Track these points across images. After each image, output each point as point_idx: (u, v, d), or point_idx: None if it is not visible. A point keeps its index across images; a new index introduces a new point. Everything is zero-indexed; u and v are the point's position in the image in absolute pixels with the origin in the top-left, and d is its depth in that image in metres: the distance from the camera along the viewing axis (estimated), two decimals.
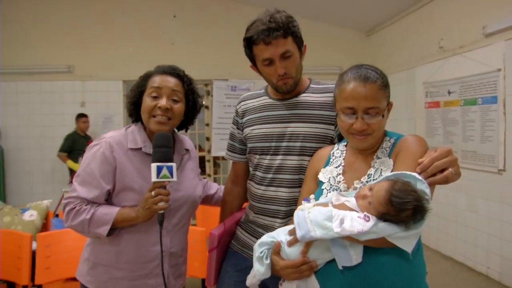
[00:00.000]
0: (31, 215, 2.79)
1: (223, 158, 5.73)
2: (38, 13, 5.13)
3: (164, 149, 1.40)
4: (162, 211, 1.38)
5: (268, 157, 1.57)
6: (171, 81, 1.52)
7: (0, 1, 5.03)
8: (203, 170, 5.68)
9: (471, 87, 3.80)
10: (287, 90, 1.56)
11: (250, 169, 1.69)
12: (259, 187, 1.61)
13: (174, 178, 1.39)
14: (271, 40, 1.47)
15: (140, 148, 1.52)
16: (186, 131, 1.73)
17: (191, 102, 1.60)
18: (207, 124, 5.60)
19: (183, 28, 5.43)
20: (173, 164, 1.40)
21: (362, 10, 5.18)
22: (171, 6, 5.41)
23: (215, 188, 1.88)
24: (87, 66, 5.24)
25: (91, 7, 5.23)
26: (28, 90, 5.12)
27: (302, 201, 1.26)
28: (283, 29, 1.47)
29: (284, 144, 1.55)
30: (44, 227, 2.92)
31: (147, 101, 1.50)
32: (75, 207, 1.44)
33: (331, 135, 1.55)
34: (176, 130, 1.69)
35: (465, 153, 3.91)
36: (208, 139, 5.60)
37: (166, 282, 1.47)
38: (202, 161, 5.68)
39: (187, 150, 1.68)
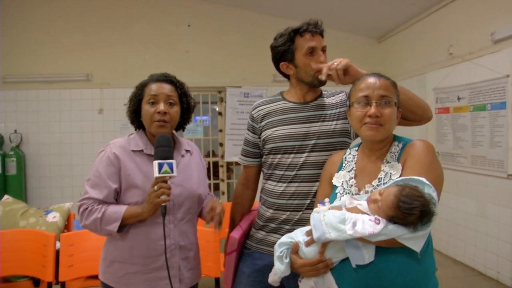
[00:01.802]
0: (54, 217, 2.94)
1: (236, 163, 5.83)
2: (58, 24, 5.33)
3: (165, 148, 1.56)
4: (164, 204, 1.52)
5: (292, 155, 1.70)
6: (166, 87, 1.70)
7: (23, 14, 5.23)
8: (216, 175, 5.79)
9: (480, 93, 3.85)
10: (320, 84, 1.70)
11: (266, 170, 1.79)
12: (280, 184, 1.72)
13: (175, 173, 1.54)
14: (317, 32, 1.70)
15: (142, 150, 1.67)
16: (183, 130, 1.87)
17: (185, 104, 1.77)
18: (221, 130, 5.72)
19: (197, 36, 5.58)
20: (173, 161, 1.55)
21: (373, 17, 5.26)
22: (185, 16, 5.56)
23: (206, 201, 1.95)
24: (104, 74, 5.41)
25: (108, 18, 5.41)
26: (49, 98, 5.31)
27: (318, 204, 1.36)
28: (323, 31, 1.74)
29: (311, 142, 1.68)
30: (66, 227, 3.06)
31: (146, 108, 1.66)
32: (87, 207, 1.59)
33: (349, 130, 1.68)
34: (175, 133, 1.84)
35: (474, 159, 3.96)
36: (221, 144, 5.72)
37: (178, 274, 1.61)
38: (215, 166, 5.80)
39: (188, 151, 1.81)
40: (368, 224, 1.15)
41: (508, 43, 3.50)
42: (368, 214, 1.20)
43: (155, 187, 1.51)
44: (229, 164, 5.86)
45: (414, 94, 1.56)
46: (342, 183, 1.45)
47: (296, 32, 1.72)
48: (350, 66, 1.57)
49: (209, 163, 5.65)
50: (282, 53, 1.76)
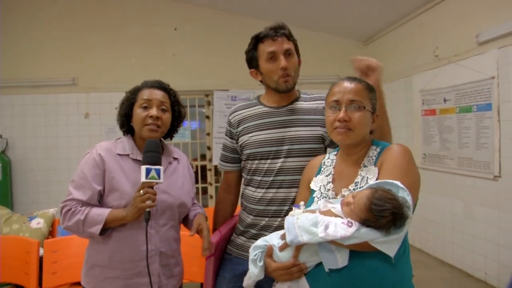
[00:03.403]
0: (38, 223, 2.89)
1: None
2: (42, 27, 5.28)
3: (154, 153, 1.55)
4: (149, 209, 1.51)
5: (269, 161, 1.68)
6: (159, 94, 1.71)
7: (8, 19, 5.17)
8: (204, 179, 5.77)
9: (466, 95, 3.89)
10: (286, 89, 1.69)
11: (246, 175, 1.78)
12: (259, 190, 1.71)
13: (161, 180, 1.53)
14: (277, 38, 1.65)
15: (128, 155, 1.66)
16: (171, 138, 1.85)
17: (177, 112, 1.78)
18: (208, 134, 5.70)
19: (184, 40, 5.56)
20: (161, 167, 1.54)
21: (359, 19, 5.30)
22: (172, 19, 5.55)
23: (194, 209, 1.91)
24: (91, 78, 5.37)
25: (94, 22, 5.37)
26: (34, 103, 5.25)
27: (293, 208, 1.35)
28: (288, 31, 1.66)
29: (285, 147, 1.67)
30: (51, 233, 3.02)
31: (138, 112, 1.66)
32: (70, 209, 1.58)
33: (326, 138, 1.67)
34: (163, 140, 1.83)
35: (461, 160, 3.99)
36: (209, 148, 5.70)
37: (158, 281, 1.60)
38: (203, 170, 5.77)
39: (176, 158, 1.80)
40: (340, 227, 1.14)
41: (493, 44, 3.54)
42: (342, 217, 1.19)
43: (141, 192, 1.50)
44: (217, 167, 5.82)
45: (386, 116, 1.58)
46: (320, 187, 1.44)
47: (258, 39, 1.71)
48: (374, 67, 1.55)
49: (197, 166, 5.62)
50: (249, 60, 1.77)
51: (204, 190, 5.75)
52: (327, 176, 1.45)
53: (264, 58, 1.68)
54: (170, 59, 5.49)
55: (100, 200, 1.63)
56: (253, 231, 1.73)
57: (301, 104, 1.74)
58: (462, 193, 4.00)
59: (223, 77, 5.60)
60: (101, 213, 1.55)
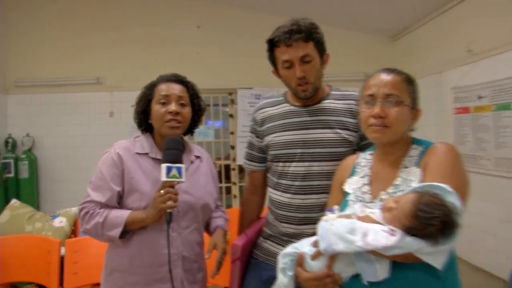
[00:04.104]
0: (61, 222, 2.88)
1: None
2: (67, 26, 5.30)
3: (174, 151, 1.47)
4: (170, 210, 1.42)
5: (294, 164, 1.58)
6: (177, 88, 1.62)
7: (33, 20, 5.23)
8: (228, 178, 5.69)
9: (503, 91, 3.67)
10: (305, 96, 1.57)
11: (272, 177, 1.68)
12: (285, 195, 1.60)
13: (183, 179, 1.44)
14: (292, 43, 1.50)
15: (147, 153, 1.57)
16: (192, 134, 1.77)
17: (196, 105, 1.69)
18: (232, 133, 5.63)
19: (207, 38, 5.50)
20: (182, 166, 1.45)
21: (386, 14, 5.10)
22: (195, 17, 5.49)
23: (216, 216, 1.80)
24: (115, 77, 5.37)
25: (118, 20, 5.37)
26: (60, 101, 5.28)
27: (326, 212, 1.24)
28: (305, 33, 1.50)
29: (309, 150, 1.56)
30: (73, 232, 3.00)
31: (157, 108, 1.57)
32: (88, 211, 1.51)
33: (355, 142, 1.55)
34: (183, 137, 1.73)
35: (498, 161, 3.77)
36: (233, 147, 5.62)
37: (180, 287, 1.51)
38: (227, 169, 5.70)
39: (198, 157, 1.71)
40: (381, 235, 1.02)
41: None
42: (382, 224, 1.07)
43: (162, 192, 1.42)
44: (241, 167, 5.76)
45: None
46: (355, 190, 1.32)
47: (271, 44, 1.58)
48: None
49: (220, 166, 5.56)
50: (270, 60, 1.66)
51: (228, 190, 5.68)
52: (362, 177, 1.34)
53: (280, 65, 1.58)
54: (193, 57, 5.44)
55: (120, 201, 1.56)
56: (280, 237, 1.63)
57: (329, 104, 1.61)
58: (499, 196, 3.78)
59: (246, 75, 5.50)
60: (121, 215, 1.48)
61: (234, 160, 5.60)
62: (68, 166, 5.32)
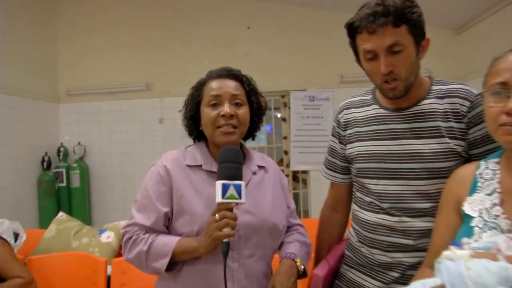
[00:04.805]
0: (108, 237, 2.69)
1: (302, 171, 5.41)
2: (114, 34, 5.25)
3: (232, 164, 1.18)
4: (227, 240, 1.12)
5: (383, 181, 1.23)
6: (230, 84, 1.33)
7: (81, 28, 5.23)
8: None
9: None
10: (394, 97, 1.21)
11: (358, 193, 1.35)
12: (374, 215, 1.27)
13: (243, 200, 1.14)
14: (376, 28, 1.13)
15: (200, 166, 1.30)
16: (253, 139, 1.46)
17: (255, 103, 1.38)
18: (285, 137, 5.32)
19: (257, 38, 5.25)
20: (242, 183, 1.15)
21: (450, 5, 4.60)
22: (244, 18, 5.26)
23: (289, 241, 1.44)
24: (164, 82, 5.25)
25: (165, 25, 5.25)
26: (109, 109, 5.24)
27: (451, 246, 0.88)
28: (394, 15, 1.13)
29: (404, 166, 1.20)
30: (121, 249, 2.82)
31: (207, 112, 1.28)
32: (131, 237, 1.25)
33: (464, 153, 1.18)
34: (243, 143, 1.44)
35: None
36: (286, 153, 5.32)
37: None
38: None
39: (262, 167, 1.41)
40: None
41: None
42: None
43: (217, 216, 1.13)
44: (295, 173, 5.44)
45: None
46: (481, 213, 0.96)
47: (351, 29, 1.22)
48: None
49: None
50: (351, 46, 1.29)
51: None
52: (489, 195, 0.97)
53: (362, 55, 1.23)
54: (243, 59, 5.19)
55: (169, 224, 1.29)
56: (371, 267, 1.29)
57: (430, 105, 1.23)
58: None
59: (299, 76, 5.19)
60: (168, 243, 1.20)
61: (287, 166, 5.29)
62: (119, 174, 5.25)
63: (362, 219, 1.31)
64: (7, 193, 4.25)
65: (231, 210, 1.14)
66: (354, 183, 1.38)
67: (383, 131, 1.27)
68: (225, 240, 1.12)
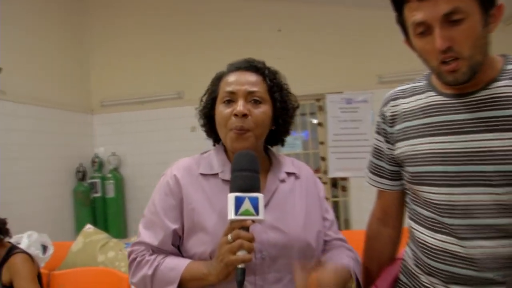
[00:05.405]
0: None
1: (341, 178, 5.14)
2: (147, 45, 5.25)
3: (247, 173, 0.98)
4: (242, 265, 0.92)
5: (445, 189, 0.97)
6: (249, 79, 1.14)
7: (108, 37, 5.26)
8: None
9: None
10: (455, 82, 0.94)
11: (413, 204, 1.11)
12: (435, 235, 1.02)
13: (260, 216, 0.94)
14: None
15: (217, 174, 1.12)
16: (282, 145, 1.27)
17: (279, 101, 1.15)
18: (322, 143, 5.09)
19: (289, 41, 5.08)
20: (259, 195, 0.94)
21: None
22: (275, 20, 5.10)
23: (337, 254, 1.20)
24: (195, 90, 5.13)
25: (195, 31, 5.19)
26: (142, 119, 5.22)
27: None
28: None
29: (473, 168, 0.93)
30: None
31: (220, 110, 1.10)
32: (136, 258, 1.08)
33: None
34: (271, 148, 1.24)
35: None
36: (323, 159, 5.07)
37: None
38: None
39: (292, 174, 1.21)
40: None
41: None
42: None
43: (229, 237, 0.94)
44: (334, 180, 5.19)
45: None
46: None
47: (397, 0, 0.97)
48: None
49: None
50: (399, 23, 1.03)
51: None
52: None
53: (411, 30, 0.97)
54: (274, 63, 4.88)
55: (180, 243, 1.12)
56: None
57: (504, 88, 0.96)
58: None
59: (335, 78, 4.95)
60: (176, 267, 1.03)
61: (325, 173, 5.04)
62: (154, 183, 5.14)
63: (419, 239, 1.04)
64: (44, 204, 4.29)
65: (247, 229, 0.95)
66: (407, 191, 1.13)
67: (442, 124, 1.00)
68: (239, 266, 0.92)
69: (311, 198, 1.21)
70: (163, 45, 5.21)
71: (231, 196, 0.94)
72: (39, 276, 2.16)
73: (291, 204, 1.14)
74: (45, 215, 4.25)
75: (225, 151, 1.21)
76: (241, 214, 0.93)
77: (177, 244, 1.11)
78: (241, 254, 0.92)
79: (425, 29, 0.92)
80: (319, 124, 5.14)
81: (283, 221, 1.09)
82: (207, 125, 1.25)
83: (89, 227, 2.86)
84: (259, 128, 1.11)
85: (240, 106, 1.08)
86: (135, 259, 1.09)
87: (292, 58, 5.04)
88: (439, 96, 1.03)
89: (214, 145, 1.29)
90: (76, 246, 2.63)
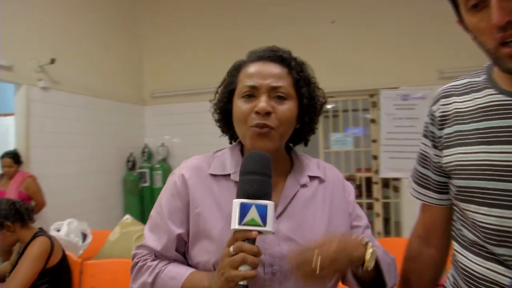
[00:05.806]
0: None
1: (394, 179, 4.85)
2: (198, 37, 5.28)
3: (257, 177, 0.85)
4: (244, 283, 0.80)
5: (498, 211, 0.77)
6: (273, 71, 0.97)
7: (162, 31, 5.34)
8: (369, 194, 4.89)
9: None
10: None
11: (459, 225, 0.92)
12: (479, 261, 0.84)
13: (268, 228, 0.81)
14: None
15: (229, 175, 0.99)
16: (305, 144, 1.11)
17: (306, 97, 0.99)
18: (374, 141, 4.82)
19: (343, 33, 4.86)
20: (269, 203, 0.81)
21: None
22: (328, 12, 4.91)
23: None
24: None
25: (245, 22, 5.14)
26: (191, 111, 5.25)
27: None
28: None
29: None
30: None
31: (239, 105, 0.96)
32: (138, 262, 0.99)
33: None
34: (292, 146, 1.10)
35: None
36: (375, 157, 4.81)
37: None
38: (368, 183, 4.92)
39: (316, 177, 1.06)
40: None
41: None
42: None
43: (231, 248, 0.83)
44: (385, 180, 4.90)
45: None
46: None
47: None
48: None
49: (360, 178, 4.81)
50: (451, 1, 0.86)
51: (369, 206, 4.88)
52: None
53: (464, 7, 0.78)
54: (327, 57, 4.82)
55: (186, 250, 1.03)
56: None
57: None
58: None
59: (390, 73, 4.67)
60: (177, 276, 0.93)
61: (376, 172, 4.79)
62: None
63: (462, 265, 0.86)
64: (95, 191, 4.44)
65: (253, 241, 0.83)
66: (454, 208, 0.95)
67: (501, 131, 0.80)
68: (241, 282, 0.80)
69: (337, 204, 1.05)
70: (213, 39, 5.21)
71: (236, 202, 0.82)
72: (63, 261, 2.20)
73: (312, 212, 1.00)
74: (94, 203, 4.40)
75: (241, 150, 1.09)
76: (246, 224, 0.81)
77: (182, 250, 1.02)
78: (243, 269, 0.79)
79: (478, 1, 0.73)
80: (372, 120, 4.88)
81: (299, 231, 0.95)
82: (222, 120, 1.13)
83: (127, 217, 2.89)
84: (284, 127, 0.97)
85: (262, 102, 0.94)
86: (136, 263, 1.01)
87: (345, 51, 4.83)
88: (499, 95, 0.82)
89: (231, 143, 1.17)
90: (113, 236, 2.66)
